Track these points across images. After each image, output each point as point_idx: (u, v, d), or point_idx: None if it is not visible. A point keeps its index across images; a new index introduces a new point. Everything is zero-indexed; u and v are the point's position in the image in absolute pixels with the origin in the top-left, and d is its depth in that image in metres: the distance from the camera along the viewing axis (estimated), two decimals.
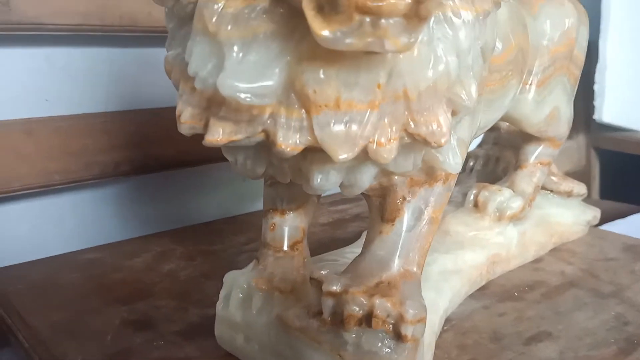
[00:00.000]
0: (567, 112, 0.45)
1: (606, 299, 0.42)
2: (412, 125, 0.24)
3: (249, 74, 0.22)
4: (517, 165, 0.48)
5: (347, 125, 0.23)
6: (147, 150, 0.53)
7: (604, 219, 0.61)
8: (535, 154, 0.47)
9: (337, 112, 0.23)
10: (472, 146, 0.56)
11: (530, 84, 0.41)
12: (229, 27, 0.22)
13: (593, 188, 1.10)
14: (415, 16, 0.20)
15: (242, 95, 0.22)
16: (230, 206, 0.61)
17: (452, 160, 0.28)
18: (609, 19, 0.99)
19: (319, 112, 0.23)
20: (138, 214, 0.56)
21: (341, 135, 0.23)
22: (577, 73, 0.45)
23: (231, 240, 0.53)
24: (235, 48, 0.22)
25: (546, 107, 0.43)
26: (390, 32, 0.20)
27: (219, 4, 0.22)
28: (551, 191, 0.52)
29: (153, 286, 0.43)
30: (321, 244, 0.51)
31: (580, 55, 0.45)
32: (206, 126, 0.24)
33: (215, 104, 0.24)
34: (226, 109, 0.23)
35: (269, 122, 0.24)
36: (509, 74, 0.36)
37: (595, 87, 1.00)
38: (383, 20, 0.20)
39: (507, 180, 0.48)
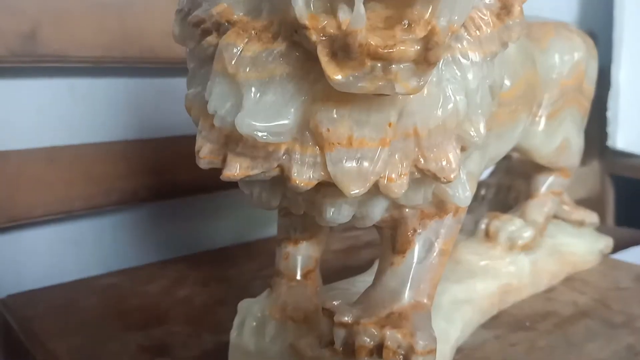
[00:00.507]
0: (577, 143, 0.46)
1: (617, 330, 0.42)
2: (422, 161, 0.25)
3: (266, 113, 0.23)
4: (529, 195, 0.48)
5: (359, 162, 0.24)
6: (165, 177, 0.54)
7: (620, 246, 0.60)
8: (546, 183, 0.48)
9: (349, 149, 0.24)
10: (485, 175, 0.57)
11: (540, 117, 0.42)
12: (248, 69, 0.23)
13: (608, 215, 1.09)
14: (425, 61, 0.21)
15: (260, 134, 0.23)
16: (244, 232, 0.62)
17: (462, 194, 0.28)
18: (621, 46, 1.00)
19: (332, 149, 0.24)
20: (155, 239, 0.57)
21: (353, 172, 0.24)
22: (587, 105, 0.46)
23: (245, 266, 0.54)
24: (253, 89, 0.23)
25: (556, 139, 0.44)
26: (401, 76, 0.21)
27: (238, 48, 0.23)
28: (563, 220, 0.53)
29: (168, 312, 0.44)
30: (333, 271, 0.51)
31: (590, 87, 0.45)
32: (224, 161, 0.25)
33: (233, 141, 0.25)
34: (243, 145, 0.24)
35: (284, 158, 0.25)
36: (518, 107, 0.37)
37: (609, 113, 1.01)
38: (394, 66, 0.21)
39: (518, 209, 0.48)
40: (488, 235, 0.45)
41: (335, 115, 0.23)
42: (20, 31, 0.45)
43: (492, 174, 0.58)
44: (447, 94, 0.25)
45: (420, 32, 0.21)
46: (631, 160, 1.03)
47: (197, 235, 0.60)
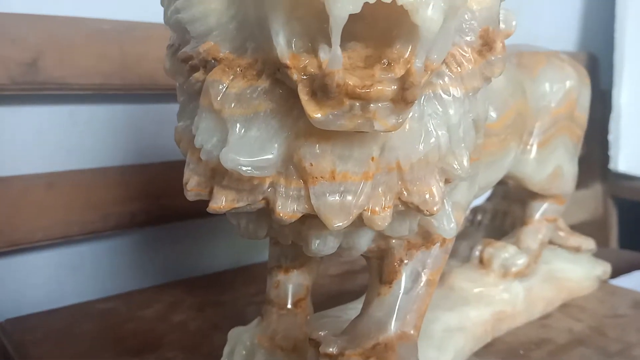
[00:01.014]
0: (570, 170, 0.46)
1: (613, 358, 0.42)
2: (406, 194, 0.26)
3: (250, 148, 0.24)
4: (523, 222, 0.48)
5: (342, 196, 0.24)
6: (162, 201, 0.55)
7: (621, 269, 0.60)
8: (540, 210, 0.48)
9: (332, 183, 0.24)
10: (481, 199, 0.57)
11: (532, 145, 0.42)
12: (233, 105, 0.24)
13: (611, 237, 1.08)
14: (402, 100, 0.21)
15: (244, 168, 0.24)
16: (241, 256, 0.62)
17: (447, 226, 0.29)
18: (622, 69, 1.00)
19: (316, 183, 0.24)
20: (152, 264, 0.57)
21: (336, 205, 0.24)
22: (580, 133, 0.46)
23: (241, 290, 0.54)
24: (238, 124, 0.24)
25: (548, 166, 0.44)
26: (379, 114, 0.22)
27: (224, 84, 0.24)
28: (559, 246, 0.53)
29: (163, 337, 0.44)
30: (329, 296, 0.51)
31: (582, 115, 0.46)
32: (211, 193, 0.26)
33: (219, 174, 0.25)
34: (229, 178, 0.25)
35: (269, 190, 0.25)
36: (508, 137, 0.37)
37: (610, 136, 1.01)
38: (372, 105, 0.21)
39: (512, 236, 0.48)
40: (482, 262, 0.46)
41: (318, 150, 0.24)
42: (22, 59, 0.46)
43: (489, 199, 0.58)
44: (429, 129, 0.25)
45: (400, 71, 0.22)
46: (633, 183, 1.03)
47: (195, 260, 0.60)
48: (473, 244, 0.49)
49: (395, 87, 0.21)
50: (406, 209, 0.26)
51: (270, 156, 0.24)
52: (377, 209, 0.25)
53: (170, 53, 0.28)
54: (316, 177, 0.24)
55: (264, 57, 0.23)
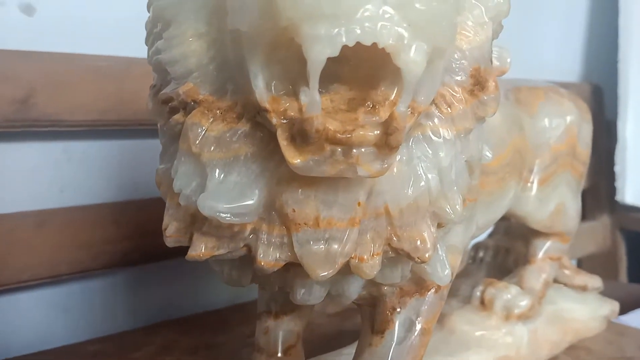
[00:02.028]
0: (573, 207, 0.45)
1: None
2: (396, 240, 0.24)
3: (230, 194, 0.23)
4: (526, 260, 0.47)
5: (327, 243, 0.23)
6: (155, 238, 0.53)
7: (631, 303, 0.58)
8: (544, 248, 0.46)
9: (316, 230, 0.23)
10: (483, 236, 0.55)
11: (532, 182, 0.41)
12: (212, 149, 0.23)
13: (620, 270, 1.06)
14: (386, 145, 0.20)
15: (223, 215, 0.23)
16: (237, 293, 0.60)
17: (441, 273, 0.27)
18: (627, 100, 0.99)
19: (299, 230, 0.23)
20: (146, 303, 0.56)
21: (320, 253, 0.23)
22: (582, 169, 0.45)
23: (236, 331, 0.52)
24: (217, 169, 0.23)
25: (550, 204, 0.42)
26: (363, 160, 0.21)
27: (203, 127, 0.23)
28: (565, 285, 0.51)
29: None
30: (327, 337, 0.50)
31: (584, 151, 0.44)
32: (191, 239, 0.25)
33: (199, 220, 0.24)
34: (209, 225, 0.24)
35: (250, 237, 0.24)
36: (506, 175, 0.36)
37: (616, 168, 0.99)
38: (355, 150, 0.20)
39: (515, 275, 0.46)
40: (483, 304, 0.44)
41: (300, 196, 0.23)
42: (14, 97, 0.45)
43: (490, 235, 0.56)
44: (418, 173, 0.24)
45: (385, 114, 0.21)
46: None
47: (189, 298, 0.58)
48: (474, 282, 0.48)
49: (379, 131, 0.20)
50: (396, 255, 0.25)
51: (250, 202, 0.23)
52: (365, 256, 0.24)
53: (152, 94, 0.27)
54: (299, 224, 0.23)
55: (244, 99, 0.23)
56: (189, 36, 0.24)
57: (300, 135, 0.20)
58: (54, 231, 0.48)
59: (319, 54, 0.18)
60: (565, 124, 0.42)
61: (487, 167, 0.34)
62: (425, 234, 0.24)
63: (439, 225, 0.26)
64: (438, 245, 0.27)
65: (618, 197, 1.00)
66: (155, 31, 0.26)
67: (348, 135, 0.20)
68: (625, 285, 0.94)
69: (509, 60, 0.30)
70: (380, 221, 0.24)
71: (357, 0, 0.19)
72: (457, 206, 0.25)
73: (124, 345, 0.49)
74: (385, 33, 0.19)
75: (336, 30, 0.18)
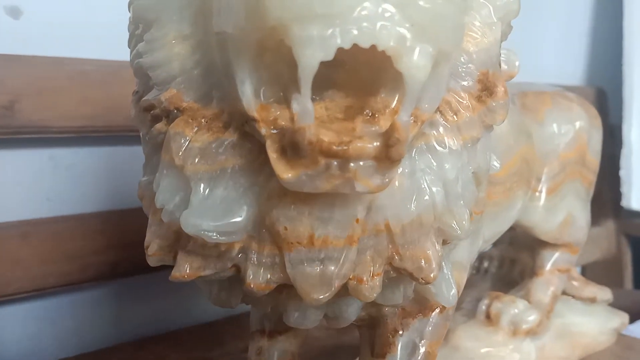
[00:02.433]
0: (582, 218, 0.43)
1: None
2: (397, 260, 0.22)
3: (215, 211, 0.21)
4: (533, 272, 0.45)
5: (323, 264, 0.21)
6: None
7: (637, 311, 0.56)
8: (551, 260, 0.44)
9: (311, 249, 0.21)
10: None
11: (540, 191, 0.39)
12: (196, 161, 0.21)
13: (626, 277, 1.04)
14: (387, 158, 0.18)
15: (208, 234, 0.21)
16: None
17: (447, 293, 0.25)
18: (632, 104, 0.97)
19: (292, 249, 0.21)
20: (136, 315, 0.54)
21: (315, 275, 0.21)
22: (592, 178, 0.43)
23: (230, 345, 0.50)
24: (202, 183, 0.21)
25: (559, 214, 0.40)
26: (361, 174, 0.19)
27: (187, 137, 0.21)
28: (573, 297, 0.49)
29: None
30: (325, 351, 0.48)
31: (594, 159, 0.42)
32: (175, 258, 0.23)
33: (184, 238, 0.22)
34: (194, 243, 0.22)
35: (239, 257, 0.22)
36: (514, 185, 0.34)
37: (622, 173, 0.97)
38: (352, 164, 0.18)
39: (522, 288, 0.44)
40: (489, 318, 0.42)
41: (293, 212, 0.21)
42: None
43: (495, 245, 0.54)
44: (422, 186, 0.22)
45: (385, 123, 0.19)
46: None
47: (182, 309, 0.56)
48: (479, 295, 0.46)
49: (378, 143, 0.18)
50: (399, 275, 0.23)
51: (238, 219, 0.21)
52: (364, 277, 0.22)
53: (134, 100, 0.25)
54: (292, 243, 0.21)
55: (231, 107, 0.21)
56: (171, 38, 0.22)
57: (292, 147, 0.18)
58: (40, 242, 0.46)
59: (310, 58, 0.16)
60: (574, 130, 0.40)
61: (494, 177, 0.32)
62: (430, 253, 0.22)
63: (444, 242, 0.24)
64: (443, 264, 0.25)
65: (624, 203, 0.98)
66: (137, 33, 0.24)
67: (344, 147, 0.18)
68: (631, 292, 0.92)
69: (517, 63, 0.28)
70: (380, 239, 0.22)
71: None
72: (464, 222, 0.23)
73: None
74: (385, 34, 0.17)
75: (330, 31, 0.16)
